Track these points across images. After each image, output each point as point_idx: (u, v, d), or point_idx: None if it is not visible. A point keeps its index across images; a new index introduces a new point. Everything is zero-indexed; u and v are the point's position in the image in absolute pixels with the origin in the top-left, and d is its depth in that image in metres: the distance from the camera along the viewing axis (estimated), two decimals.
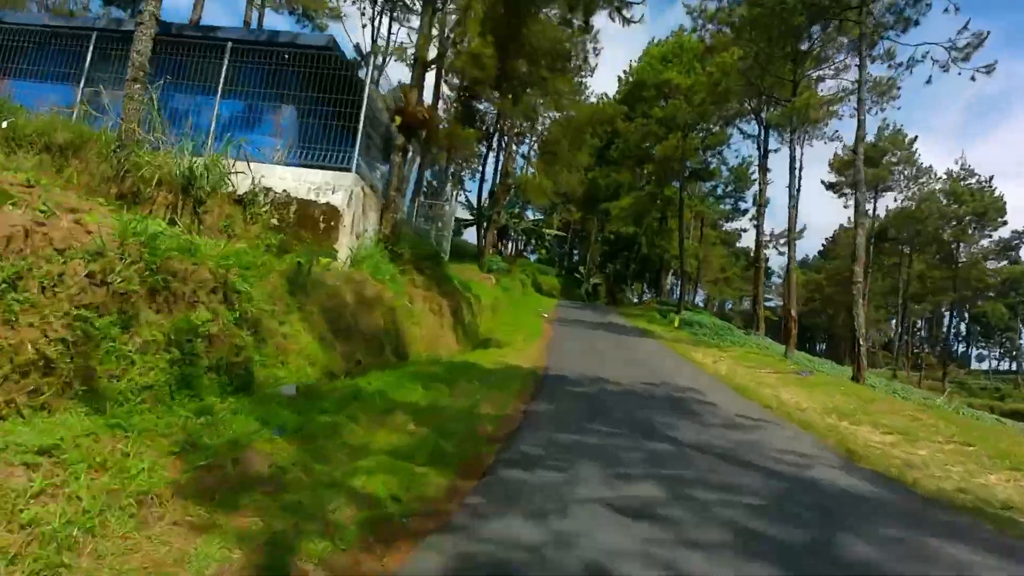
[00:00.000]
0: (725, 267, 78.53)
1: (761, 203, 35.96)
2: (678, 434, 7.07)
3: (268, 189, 10.63)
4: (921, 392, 27.41)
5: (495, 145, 37.37)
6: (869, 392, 14.31)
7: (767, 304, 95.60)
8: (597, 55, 30.34)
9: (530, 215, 60.08)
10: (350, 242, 10.55)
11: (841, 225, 65.01)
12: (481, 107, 42.73)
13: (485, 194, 36.28)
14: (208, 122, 11.39)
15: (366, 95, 10.98)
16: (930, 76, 18.58)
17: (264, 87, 11.82)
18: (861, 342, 16.81)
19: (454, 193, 19.20)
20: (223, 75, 11.30)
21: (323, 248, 10.25)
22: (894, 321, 70.03)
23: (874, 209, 49.82)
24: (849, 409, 10.89)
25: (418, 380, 7.58)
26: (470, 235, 40.70)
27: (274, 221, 10.48)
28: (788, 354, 25.82)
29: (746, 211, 57.51)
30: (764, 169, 35.52)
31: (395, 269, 11.18)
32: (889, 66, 21.21)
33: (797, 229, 53.31)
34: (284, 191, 10.59)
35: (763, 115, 36.60)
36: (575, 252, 73.90)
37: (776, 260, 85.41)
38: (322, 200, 10.55)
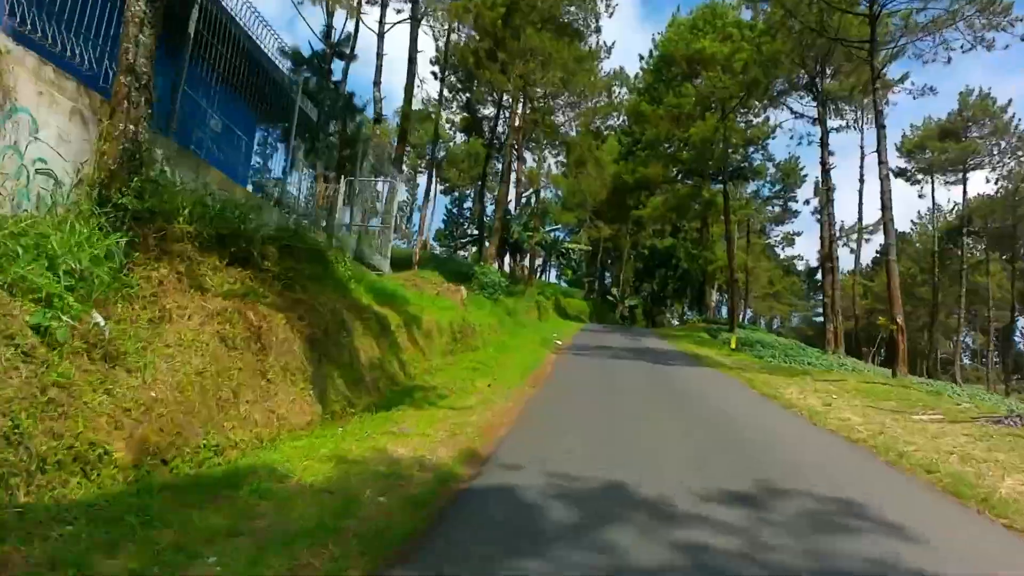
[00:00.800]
0: (773, 280, 69.96)
1: (828, 187, 28.36)
2: None
3: None
4: None
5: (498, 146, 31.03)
6: None
7: (816, 319, 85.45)
8: (610, 13, 23.77)
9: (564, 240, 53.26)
10: None
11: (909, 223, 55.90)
12: (483, 109, 36.69)
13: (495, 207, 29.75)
14: None
15: None
16: None
17: None
18: None
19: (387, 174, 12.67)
20: None
21: None
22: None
23: (963, 193, 41.17)
24: None
25: None
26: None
27: None
28: (898, 376, 18.17)
29: (797, 212, 49.40)
30: (825, 145, 27.93)
31: (100, 244, 4.46)
32: None
33: (865, 222, 45.20)
34: None
35: (820, 85, 29.31)
36: (607, 273, 66.51)
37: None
38: None
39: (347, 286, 8.06)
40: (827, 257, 31.60)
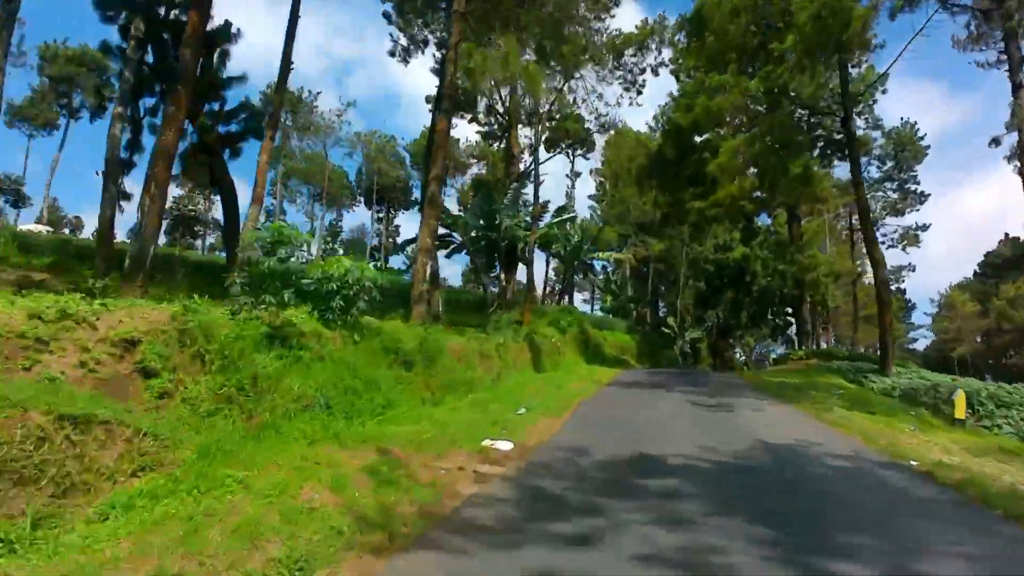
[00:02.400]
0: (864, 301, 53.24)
1: None
2: None
3: None
4: None
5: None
6: None
7: (909, 346, 65.69)
8: None
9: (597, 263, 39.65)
10: None
11: None
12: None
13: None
14: None
15: None
16: None
17: None
18: None
19: None
20: None
21: None
22: None
23: None
24: None
25: None
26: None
27: None
28: None
29: (926, 196, 34.11)
30: None
31: None
32: None
33: None
34: None
35: None
36: (660, 302, 51.92)
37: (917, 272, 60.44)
38: None
39: None
40: None
